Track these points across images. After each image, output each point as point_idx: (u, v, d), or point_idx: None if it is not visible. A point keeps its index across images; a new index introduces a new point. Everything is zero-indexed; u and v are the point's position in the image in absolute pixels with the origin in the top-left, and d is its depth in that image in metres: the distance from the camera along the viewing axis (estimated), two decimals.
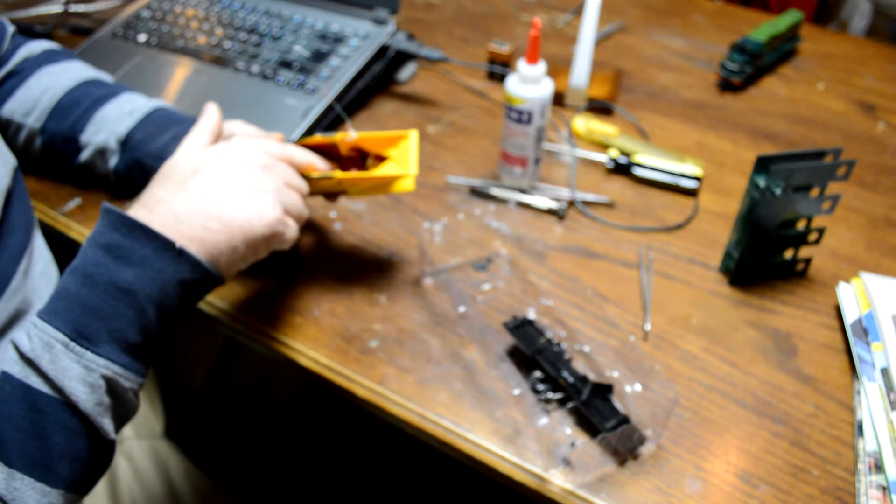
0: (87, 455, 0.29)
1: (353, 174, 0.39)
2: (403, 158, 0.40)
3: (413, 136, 0.40)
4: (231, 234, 0.32)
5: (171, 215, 0.31)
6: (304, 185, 0.37)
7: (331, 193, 0.42)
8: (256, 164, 0.35)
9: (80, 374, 0.28)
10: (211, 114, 0.38)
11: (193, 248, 0.31)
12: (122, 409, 0.31)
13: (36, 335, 0.28)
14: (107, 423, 0.29)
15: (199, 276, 0.32)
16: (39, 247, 0.40)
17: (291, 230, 0.35)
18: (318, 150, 0.41)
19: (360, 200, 0.50)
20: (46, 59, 0.48)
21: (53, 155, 0.47)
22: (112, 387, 0.29)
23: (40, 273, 0.40)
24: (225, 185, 0.33)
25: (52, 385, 0.28)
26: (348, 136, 0.40)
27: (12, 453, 0.27)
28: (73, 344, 0.28)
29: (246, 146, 0.35)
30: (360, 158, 0.42)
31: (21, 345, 0.28)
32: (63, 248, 0.48)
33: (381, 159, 0.41)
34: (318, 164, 0.39)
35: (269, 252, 0.35)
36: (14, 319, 0.37)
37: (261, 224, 0.33)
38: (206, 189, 0.33)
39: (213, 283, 0.33)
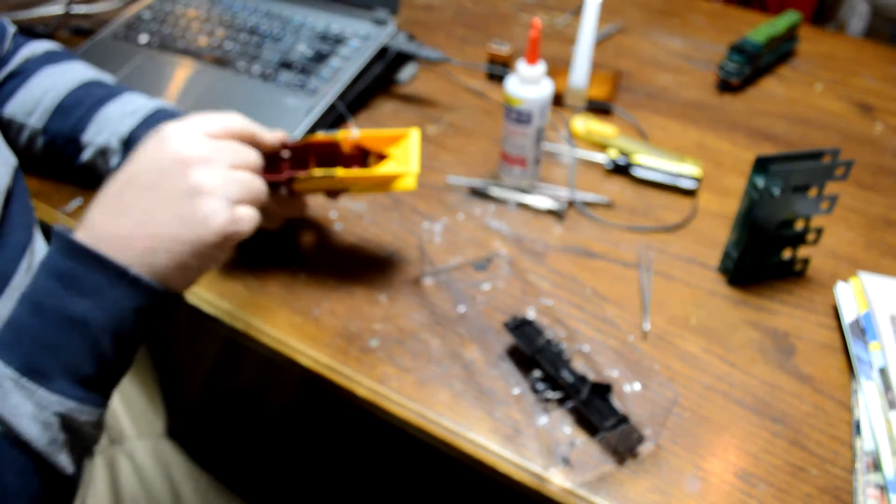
0: (45, 493, 0.27)
1: (355, 172, 0.39)
2: (405, 157, 0.40)
3: (414, 134, 0.40)
4: (177, 251, 0.29)
5: (116, 238, 0.29)
6: (253, 158, 0.33)
7: (332, 192, 0.42)
8: (192, 161, 0.30)
9: (32, 411, 0.26)
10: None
11: (144, 272, 0.29)
12: (82, 443, 0.29)
13: None
14: (63, 460, 0.28)
15: (155, 302, 0.29)
16: (40, 246, 0.40)
17: (247, 222, 0.31)
18: (320, 148, 0.41)
19: (361, 200, 0.50)
20: (48, 59, 0.48)
21: (55, 155, 0.47)
22: (67, 422, 0.28)
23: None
24: (159, 197, 0.29)
25: (2, 424, 0.26)
26: (350, 134, 0.40)
27: None
28: (23, 380, 0.26)
29: (175, 139, 0.30)
30: (361, 157, 0.42)
31: None
32: None
33: (382, 158, 0.41)
34: (263, 134, 0.35)
35: (230, 251, 0.32)
36: None
37: (208, 233, 0.30)
38: (142, 205, 0.29)
39: (171, 305, 0.31)
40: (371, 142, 0.41)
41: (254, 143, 0.35)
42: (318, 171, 0.38)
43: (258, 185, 0.32)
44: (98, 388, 0.29)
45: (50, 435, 0.27)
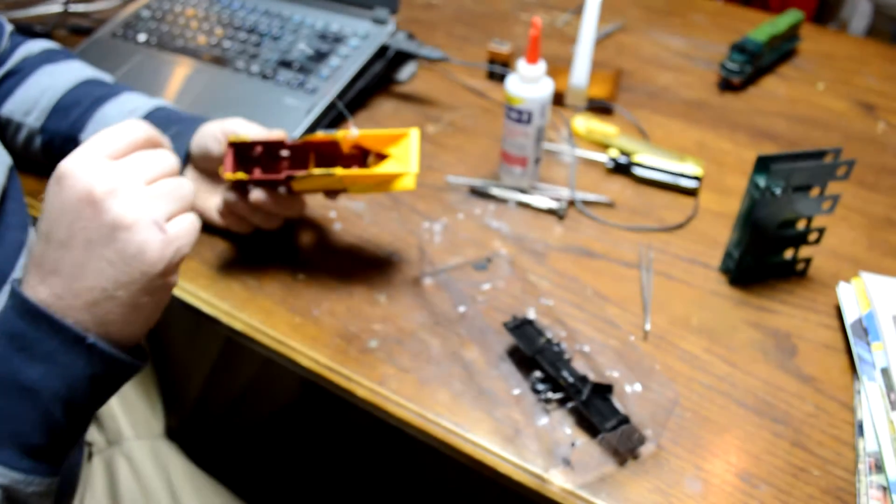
0: None
1: (354, 171, 0.39)
2: (404, 156, 0.40)
3: (414, 134, 0.40)
4: (122, 297, 0.26)
5: (57, 300, 0.26)
6: (167, 162, 0.29)
7: (331, 192, 0.42)
8: (99, 196, 0.26)
9: None
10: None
11: (96, 331, 0.26)
12: None
13: None
14: None
15: (113, 369, 0.27)
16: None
17: (185, 235, 0.28)
18: (319, 147, 0.41)
19: (360, 200, 0.50)
20: (46, 58, 0.48)
21: (53, 155, 0.47)
22: (11, 494, 0.26)
23: None
24: (81, 248, 0.26)
25: None
26: (350, 133, 0.40)
27: None
28: None
29: (74, 177, 0.26)
30: (361, 157, 0.42)
31: None
32: None
33: (382, 158, 0.41)
34: (159, 136, 0.30)
35: (177, 276, 0.29)
36: None
37: (147, 267, 0.26)
38: (67, 259, 0.26)
39: (131, 372, 0.28)
40: (370, 141, 0.41)
41: (159, 144, 0.30)
42: (317, 171, 0.38)
43: (183, 189, 0.29)
44: (47, 459, 0.27)
45: None
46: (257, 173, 0.40)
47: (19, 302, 0.26)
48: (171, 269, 0.28)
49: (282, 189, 0.41)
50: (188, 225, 0.28)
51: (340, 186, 0.40)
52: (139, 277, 0.27)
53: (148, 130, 0.29)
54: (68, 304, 0.26)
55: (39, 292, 0.26)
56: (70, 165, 0.27)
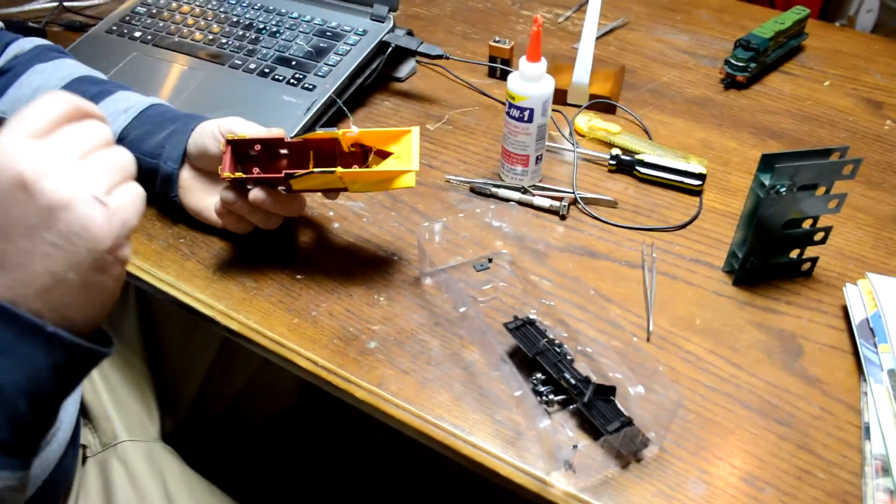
0: None
1: (355, 170, 0.38)
2: (405, 154, 0.39)
3: (415, 132, 0.40)
4: (73, 278, 0.25)
5: (9, 292, 0.25)
6: (98, 132, 0.27)
7: (331, 191, 0.41)
8: (30, 176, 0.24)
9: None
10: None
11: (52, 318, 0.25)
12: None
13: None
14: None
15: (76, 356, 0.26)
16: None
17: (131, 207, 0.26)
18: (319, 145, 0.41)
19: (359, 200, 0.49)
20: (37, 56, 0.47)
21: None
22: None
23: None
24: (20, 235, 0.25)
25: None
26: (350, 131, 0.39)
27: None
28: None
29: (3, 158, 0.24)
30: (361, 155, 0.41)
31: None
32: None
33: (382, 155, 0.40)
34: (87, 107, 0.28)
35: (130, 244, 0.27)
36: None
37: (94, 243, 0.25)
38: (9, 249, 0.25)
39: (96, 358, 0.27)
40: (371, 140, 0.40)
41: (89, 115, 0.28)
42: (317, 170, 0.38)
43: (121, 159, 0.27)
44: (15, 453, 0.26)
45: None
46: (256, 173, 0.40)
47: None
48: (119, 243, 0.26)
49: (281, 188, 0.40)
50: (132, 195, 0.27)
51: (340, 185, 0.40)
52: (87, 256, 0.25)
53: (72, 101, 0.27)
54: (20, 293, 0.25)
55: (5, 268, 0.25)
56: (3, 149, 0.25)
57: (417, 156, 0.39)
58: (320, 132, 0.40)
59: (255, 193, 0.39)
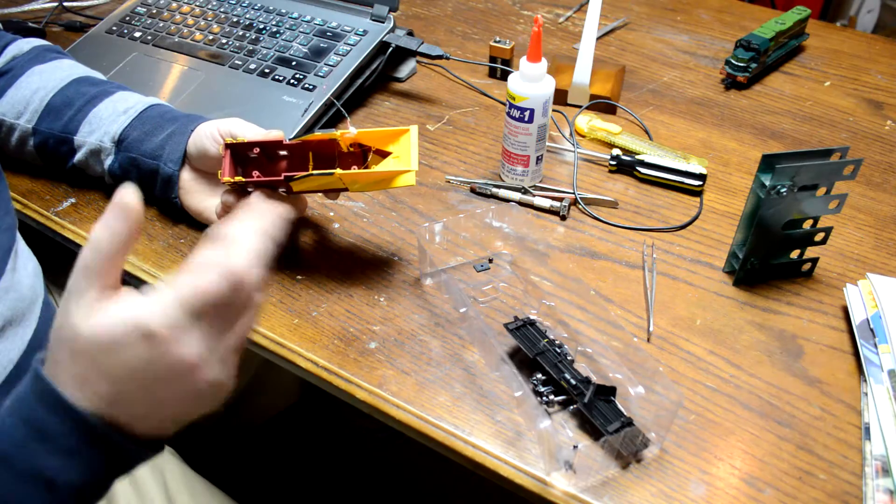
0: None
1: (354, 171, 0.38)
2: (404, 154, 0.39)
3: (413, 130, 0.40)
4: (182, 421, 0.27)
5: (113, 411, 0.25)
6: (252, 311, 0.28)
7: (331, 191, 0.41)
8: (194, 367, 0.25)
9: None
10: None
11: (130, 428, 0.26)
12: None
13: None
14: None
15: (133, 463, 0.27)
16: (24, 248, 0.40)
17: (234, 376, 0.28)
18: (318, 146, 0.41)
19: (359, 200, 0.49)
20: (35, 57, 0.47)
21: (47, 155, 0.47)
22: None
23: (33, 272, 0.40)
24: (163, 396, 0.26)
25: None
26: (348, 132, 0.39)
27: None
28: None
29: (167, 344, 0.25)
30: (360, 154, 0.41)
31: None
32: (57, 248, 0.47)
33: (381, 154, 0.40)
34: (245, 274, 0.27)
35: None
36: (12, 320, 0.36)
37: (215, 405, 0.28)
38: (141, 400, 0.26)
39: (146, 460, 0.28)
40: (369, 140, 0.40)
41: (249, 284, 0.27)
42: (316, 172, 0.38)
43: (246, 334, 0.28)
44: None
45: None
46: (256, 176, 0.40)
47: (45, 388, 0.25)
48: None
49: (282, 190, 0.40)
50: (236, 365, 0.28)
51: (341, 186, 0.40)
52: (202, 412, 0.27)
53: (234, 285, 0.26)
54: (115, 411, 0.26)
55: (81, 385, 0.25)
56: (162, 329, 0.25)
57: (416, 155, 0.39)
58: (318, 134, 0.40)
59: (256, 197, 0.39)
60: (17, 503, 0.25)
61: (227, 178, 0.39)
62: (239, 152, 0.40)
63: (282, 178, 0.38)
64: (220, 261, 0.26)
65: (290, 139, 0.40)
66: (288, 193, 0.41)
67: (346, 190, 0.40)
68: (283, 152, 0.41)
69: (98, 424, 0.25)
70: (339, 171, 0.38)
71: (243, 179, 0.39)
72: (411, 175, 0.38)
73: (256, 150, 0.40)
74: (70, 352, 0.26)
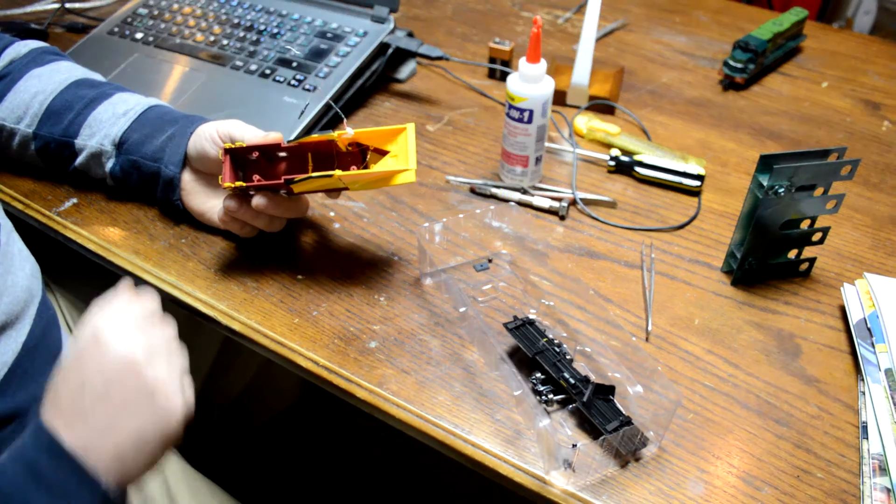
0: None
1: (353, 172, 0.38)
2: (402, 152, 0.39)
3: (410, 129, 0.40)
4: (146, 450, 0.29)
5: (80, 443, 0.28)
6: (173, 327, 0.33)
7: (332, 190, 0.41)
8: (139, 362, 0.29)
9: None
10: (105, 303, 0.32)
11: (113, 476, 0.28)
12: None
13: None
14: None
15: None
16: (21, 250, 0.40)
17: (191, 392, 0.32)
18: (317, 147, 0.41)
19: (360, 200, 0.49)
20: (33, 60, 0.47)
21: (48, 159, 0.47)
22: None
23: (31, 273, 0.40)
24: (116, 405, 0.29)
25: None
26: (345, 133, 0.39)
27: None
28: None
29: (113, 343, 0.29)
30: (359, 154, 0.41)
31: None
32: (58, 248, 0.47)
33: (380, 153, 0.41)
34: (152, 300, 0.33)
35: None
36: (7, 323, 0.36)
37: (173, 423, 0.30)
38: (99, 415, 0.29)
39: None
40: (366, 140, 0.40)
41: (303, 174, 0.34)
42: (315, 174, 0.38)
43: (182, 350, 0.33)
44: None
45: None
46: (256, 179, 0.40)
47: (48, 440, 0.28)
48: (183, 424, 0.31)
49: (283, 192, 0.40)
50: (190, 388, 0.32)
51: (341, 186, 0.40)
52: (162, 434, 0.30)
53: (150, 299, 0.33)
54: (95, 449, 0.28)
55: (64, 434, 0.28)
56: (108, 331, 0.30)
57: (414, 153, 0.39)
58: (316, 136, 0.40)
59: (258, 200, 0.39)
60: None
61: (227, 184, 0.39)
62: (238, 156, 0.40)
63: (282, 181, 0.38)
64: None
65: (288, 141, 0.40)
66: (289, 195, 0.41)
67: (346, 189, 0.41)
68: (282, 154, 0.41)
69: (94, 476, 0.28)
70: (338, 172, 0.38)
71: (244, 184, 0.39)
72: (411, 172, 0.38)
73: (255, 153, 0.41)
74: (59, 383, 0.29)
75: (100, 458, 0.28)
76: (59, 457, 0.28)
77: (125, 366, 0.29)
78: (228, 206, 0.40)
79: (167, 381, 0.30)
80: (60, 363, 0.30)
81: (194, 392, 0.32)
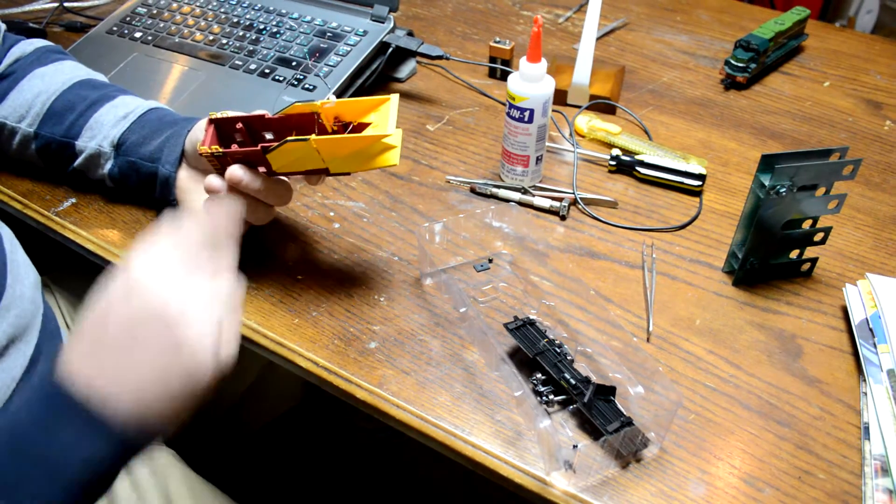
0: None
1: (328, 137, 0.37)
2: (384, 123, 0.38)
3: (394, 99, 0.39)
4: (170, 402, 0.28)
5: (101, 392, 0.27)
6: (229, 260, 0.30)
7: (312, 173, 0.39)
8: (171, 312, 0.27)
9: None
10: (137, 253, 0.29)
11: (133, 422, 0.27)
12: None
13: None
14: None
15: (136, 455, 0.28)
16: (24, 260, 0.40)
17: (232, 344, 0.29)
18: (301, 121, 0.39)
19: (360, 199, 0.49)
20: (37, 59, 0.47)
21: (48, 159, 0.47)
22: None
23: (34, 284, 0.40)
24: (142, 355, 0.27)
25: None
26: (328, 102, 0.38)
27: None
28: None
29: (146, 288, 0.28)
30: (342, 132, 0.40)
31: None
32: (58, 249, 0.47)
33: (364, 128, 0.39)
34: (227, 221, 0.31)
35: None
36: (15, 337, 0.36)
37: (202, 378, 0.28)
38: (128, 359, 0.27)
39: (146, 450, 0.29)
40: (349, 110, 0.39)
41: (230, 233, 0.31)
42: (291, 138, 0.36)
43: (237, 296, 0.30)
44: None
45: None
46: (234, 148, 0.39)
47: (60, 389, 0.27)
48: (214, 378, 0.29)
49: (262, 169, 0.39)
50: (235, 331, 0.30)
51: (320, 164, 0.38)
52: (191, 387, 0.28)
53: (216, 225, 0.31)
54: (114, 397, 0.27)
55: (82, 378, 0.27)
56: (143, 278, 0.28)
57: (395, 121, 0.37)
58: (300, 105, 0.39)
59: (233, 170, 0.37)
60: (31, 484, 0.26)
61: (203, 148, 0.38)
62: (224, 130, 0.40)
63: (258, 148, 0.37)
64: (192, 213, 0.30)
65: (273, 113, 0.39)
66: (268, 173, 0.39)
67: (327, 172, 0.39)
68: (269, 134, 0.40)
69: (106, 420, 0.27)
70: (314, 137, 0.36)
71: (220, 149, 0.38)
72: (394, 153, 0.37)
73: (240, 124, 0.39)
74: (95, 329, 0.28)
75: (119, 405, 0.27)
76: (71, 405, 0.27)
77: (154, 316, 0.27)
78: (208, 184, 0.39)
79: (198, 337, 0.28)
80: (89, 307, 0.28)
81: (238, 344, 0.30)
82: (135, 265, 0.28)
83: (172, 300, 0.28)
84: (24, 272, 0.38)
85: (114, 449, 0.28)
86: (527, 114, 0.46)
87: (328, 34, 0.59)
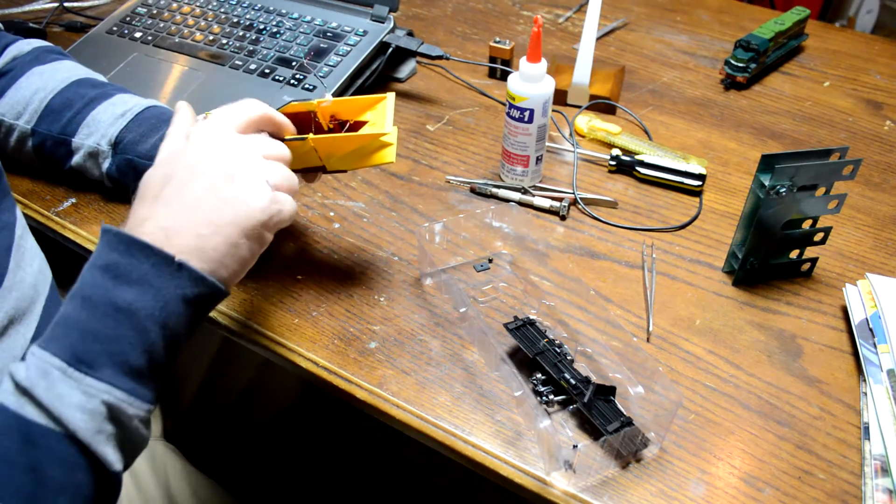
0: (89, 490, 0.27)
1: (326, 136, 0.37)
2: (380, 121, 0.38)
3: (390, 97, 0.39)
4: (226, 233, 0.30)
5: (160, 231, 0.29)
6: (283, 151, 0.34)
7: (309, 170, 0.40)
8: (226, 150, 0.32)
9: (79, 400, 0.26)
10: (182, 113, 0.35)
11: (193, 261, 0.29)
12: (128, 439, 0.28)
13: (33, 363, 0.27)
14: (110, 454, 0.27)
15: (203, 290, 0.30)
16: (32, 246, 0.40)
17: (287, 205, 0.33)
18: (298, 120, 0.40)
19: (359, 199, 0.49)
20: (36, 58, 0.47)
21: (45, 157, 0.47)
22: (114, 413, 0.27)
23: (38, 270, 0.40)
24: (201, 185, 0.31)
25: (47, 414, 0.26)
26: (325, 100, 0.39)
27: (4, 489, 0.25)
28: (71, 370, 0.27)
29: (208, 134, 0.33)
30: (339, 130, 0.40)
31: (17, 374, 0.27)
32: (58, 249, 0.47)
33: (361, 126, 0.39)
34: (289, 126, 0.36)
35: (273, 235, 0.33)
36: (14, 318, 0.36)
37: (254, 211, 0.31)
38: (185, 195, 0.31)
39: (218, 296, 0.31)
40: (346, 109, 0.39)
41: (279, 130, 0.36)
42: (288, 137, 0.37)
43: (290, 175, 0.34)
44: (145, 382, 0.29)
45: (96, 425, 0.27)
46: None
47: (112, 236, 0.29)
48: (268, 224, 0.32)
49: None
50: (290, 200, 0.33)
51: (317, 162, 0.38)
52: (242, 222, 0.31)
53: (266, 113, 0.35)
54: (176, 233, 0.30)
55: (142, 223, 0.30)
56: (201, 130, 0.33)
57: (391, 120, 0.38)
58: (297, 104, 0.39)
59: None
60: (112, 336, 0.28)
61: None
62: None
63: None
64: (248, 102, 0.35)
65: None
66: None
67: (323, 169, 0.39)
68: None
69: (160, 250, 0.29)
70: (311, 136, 0.36)
71: None
72: (391, 151, 0.37)
73: None
74: (137, 196, 0.32)
75: (181, 238, 0.29)
76: (131, 249, 0.29)
77: (211, 155, 0.31)
78: None
79: (250, 172, 0.31)
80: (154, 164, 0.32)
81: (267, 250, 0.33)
82: (195, 129, 0.33)
83: (227, 146, 0.32)
84: (28, 258, 0.39)
85: (178, 283, 0.29)
86: (527, 114, 0.46)
87: (328, 34, 0.59)
